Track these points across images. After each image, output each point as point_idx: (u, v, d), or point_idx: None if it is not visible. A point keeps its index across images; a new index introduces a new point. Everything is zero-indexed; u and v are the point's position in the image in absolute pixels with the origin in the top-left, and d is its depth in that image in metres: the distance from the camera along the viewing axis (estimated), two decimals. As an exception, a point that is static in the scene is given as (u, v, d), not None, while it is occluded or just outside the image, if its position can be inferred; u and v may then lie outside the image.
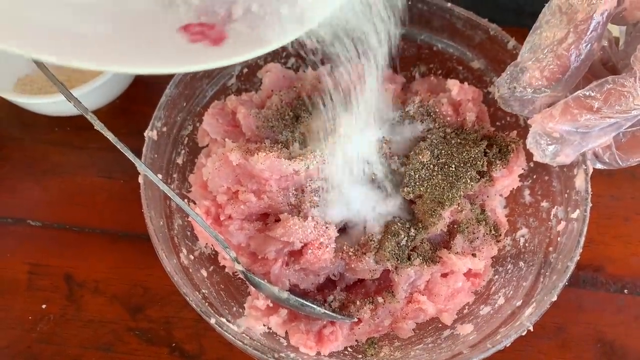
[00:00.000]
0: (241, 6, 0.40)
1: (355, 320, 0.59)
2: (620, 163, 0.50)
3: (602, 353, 0.65)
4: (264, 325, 0.58)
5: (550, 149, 0.47)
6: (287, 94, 0.67)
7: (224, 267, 0.62)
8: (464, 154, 0.62)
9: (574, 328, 0.66)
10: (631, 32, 0.48)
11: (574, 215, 0.57)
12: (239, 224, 0.60)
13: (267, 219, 0.62)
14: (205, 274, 0.60)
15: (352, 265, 0.59)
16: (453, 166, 0.61)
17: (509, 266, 0.62)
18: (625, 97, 0.42)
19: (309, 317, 0.59)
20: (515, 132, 0.64)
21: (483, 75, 0.69)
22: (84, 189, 0.76)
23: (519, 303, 0.56)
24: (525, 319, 0.53)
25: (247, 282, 0.59)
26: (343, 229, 0.61)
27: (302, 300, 0.57)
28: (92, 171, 0.77)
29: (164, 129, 0.63)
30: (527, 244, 0.62)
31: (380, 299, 0.59)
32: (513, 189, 0.66)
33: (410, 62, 0.73)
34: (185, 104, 0.66)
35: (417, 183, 0.61)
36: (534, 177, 0.65)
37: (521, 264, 0.61)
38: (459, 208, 0.61)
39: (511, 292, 0.59)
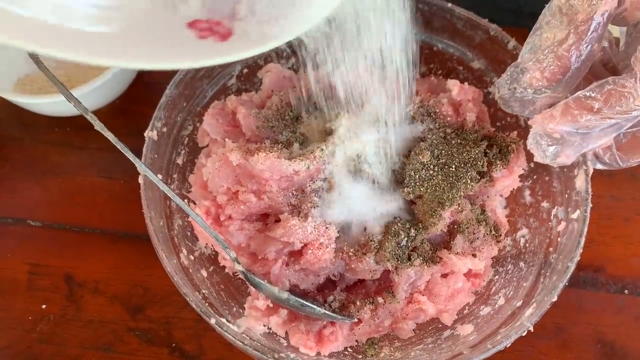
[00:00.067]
0: (246, 3, 0.40)
1: (356, 320, 0.59)
2: (621, 164, 0.51)
3: (602, 353, 0.65)
4: (264, 326, 0.58)
5: (550, 149, 0.47)
6: (288, 94, 0.67)
7: (224, 267, 0.62)
8: (464, 154, 0.62)
9: (574, 328, 0.66)
10: (631, 33, 0.48)
11: (575, 215, 0.57)
12: (239, 224, 0.60)
13: (267, 219, 0.62)
14: (205, 274, 0.60)
15: (352, 266, 0.59)
16: (453, 166, 0.61)
17: (509, 266, 0.62)
18: (625, 97, 0.42)
19: (309, 317, 0.59)
20: (515, 132, 0.64)
21: (483, 76, 0.69)
22: (84, 189, 0.76)
23: (519, 303, 0.56)
24: (525, 319, 0.53)
25: (247, 283, 0.59)
26: (343, 229, 0.61)
27: (302, 301, 0.57)
28: (92, 171, 0.77)
29: (164, 129, 0.63)
30: (527, 245, 0.62)
31: (380, 300, 0.59)
32: (513, 189, 0.66)
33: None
34: (185, 104, 0.66)
35: (418, 183, 0.61)
36: (535, 177, 0.65)
37: (521, 264, 0.61)
38: (459, 208, 0.61)
39: (511, 292, 0.59)
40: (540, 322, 0.52)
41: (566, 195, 0.59)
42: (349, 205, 0.60)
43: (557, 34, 0.45)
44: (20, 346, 0.65)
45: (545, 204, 0.63)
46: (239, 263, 0.57)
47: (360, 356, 0.59)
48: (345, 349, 0.59)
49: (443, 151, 0.63)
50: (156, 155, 0.61)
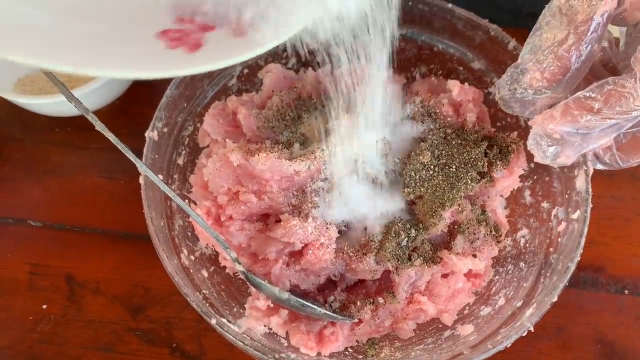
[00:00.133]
0: (215, 10, 0.40)
1: (356, 320, 0.59)
2: (621, 164, 0.51)
3: (602, 354, 0.65)
4: (265, 326, 0.58)
5: (551, 150, 0.47)
6: (288, 95, 0.67)
7: (224, 267, 0.63)
8: (465, 155, 0.62)
9: (574, 329, 0.66)
10: (631, 33, 0.48)
11: (575, 216, 0.57)
12: (239, 225, 0.60)
13: (267, 219, 0.62)
14: (206, 274, 0.60)
15: (353, 266, 0.59)
16: (454, 167, 0.61)
17: (510, 267, 0.62)
18: (625, 98, 0.42)
19: (309, 317, 0.59)
20: (515, 132, 0.64)
21: (483, 76, 0.69)
22: (85, 190, 0.76)
23: (519, 304, 0.56)
24: (525, 319, 0.53)
25: (247, 283, 0.59)
26: (344, 230, 0.61)
27: (302, 301, 0.57)
28: (93, 171, 0.77)
29: (165, 130, 0.63)
30: (527, 245, 0.62)
31: (380, 300, 0.59)
32: (514, 189, 0.66)
33: (411, 62, 0.73)
34: (185, 105, 0.66)
35: (418, 184, 0.61)
36: (535, 177, 0.65)
37: (522, 264, 0.61)
38: (460, 209, 0.61)
39: (512, 292, 0.59)
40: (541, 322, 0.52)
41: (566, 195, 0.59)
42: (349, 206, 0.60)
43: (557, 35, 0.45)
44: (20, 346, 0.65)
45: (545, 204, 0.63)
46: (239, 263, 0.57)
47: (360, 356, 0.59)
48: (346, 349, 0.59)
49: (443, 151, 0.63)
50: (157, 156, 0.61)
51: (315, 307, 0.58)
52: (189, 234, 0.62)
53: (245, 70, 0.71)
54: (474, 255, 0.61)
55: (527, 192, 0.65)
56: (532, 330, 0.52)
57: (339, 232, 0.60)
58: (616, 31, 0.51)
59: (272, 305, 0.58)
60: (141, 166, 0.51)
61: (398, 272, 0.58)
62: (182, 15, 0.40)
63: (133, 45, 0.38)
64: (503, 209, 0.66)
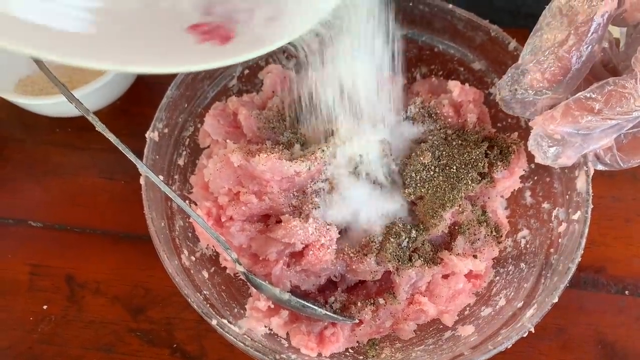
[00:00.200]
0: (246, 7, 0.40)
1: (357, 321, 0.59)
2: (622, 164, 0.51)
3: (603, 354, 0.65)
4: (265, 327, 0.58)
5: (551, 150, 0.47)
6: (289, 95, 0.67)
7: (225, 268, 0.63)
8: (465, 155, 0.62)
9: (575, 329, 0.66)
10: (632, 34, 0.48)
11: (575, 216, 0.57)
12: (240, 225, 0.60)
13: (268, 220, 0.62)
14: (206, 275, 0.60)
15: (354, 267, 0.59)
16: (454, 167, 0.61)
17: (510, 267, 0.62)
18: (626, 98, 0.42)
19: (310, 318, 0.59)
20: (516, 133, 0.65)
21: (484, 77, 0.69)
22: (85, 190, 0.76)
23: (520, 304, 0.56)
24: (526, 320, 0.53)
25: (248, 284, 0.59)
26: (344, 230, 0.61)
27: (303, 302, 0.57)
28: (94, 172, 0.77)
29: (165, 130, 0.63)
30: (528, 245, 0.62)
31: (381, 300, 0.59)
32: (514, 190, 0.66)
33: (412, 63, 0.73)
34: (186, 105, 0.66)
35: (418, 184, 0.61)
36: (535, 178, 0.65)
37: (522, 265, 0.61)
38: (460, 209, 0.61)
39: (512, 293, 0.59)
40: (541, 323, 0.52)
41: (567, 196, 0.59)
42: (350, 206, 0.60)
43: (557, 35, 0.45)
44: (21, 347, 0.65)
45: (546, 205, 0.63)
46: (240, 264, 0.57)
47: (361, 357, 0.59)
48: (347, 349, 0.59)
49: (444, 152, 0.63)
50: (157, 156, 0.61)
51: (316, 307, 0.58)
52: (190, 234, 0.62)
53: (246, 71, 0.71)
54: (475, 256, 0.61)
55: (528, 193, 0.65)
56: (533, 331, 0.52)
57: (340, 232, 0.60)
58: (617, 32, 0.51)
59: (272, 306, 0.58)
60: (142, 167, 0.51)
61: (399, 272, 0.58)
62: (209, 9, 0.41)
63: (166, 41, 0.38)
64: (504, 210, 0.66)
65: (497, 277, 0.62)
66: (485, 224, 0.62)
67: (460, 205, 0.61)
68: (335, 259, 0.59)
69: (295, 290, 0.60)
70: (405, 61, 0.72)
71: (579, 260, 0.54)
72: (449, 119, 0.65)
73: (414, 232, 0.60)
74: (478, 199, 0.64)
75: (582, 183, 0.57)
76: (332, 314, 0.58)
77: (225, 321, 0.54)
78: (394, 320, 0.60)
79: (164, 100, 0.62)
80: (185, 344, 0.65)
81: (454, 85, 0.66)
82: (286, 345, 0.58)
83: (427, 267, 0.59)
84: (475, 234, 0.61)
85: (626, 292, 0.69)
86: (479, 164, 0.61)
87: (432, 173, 0.61)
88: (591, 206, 0.56)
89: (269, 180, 0.58)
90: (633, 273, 0.70)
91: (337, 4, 0.41)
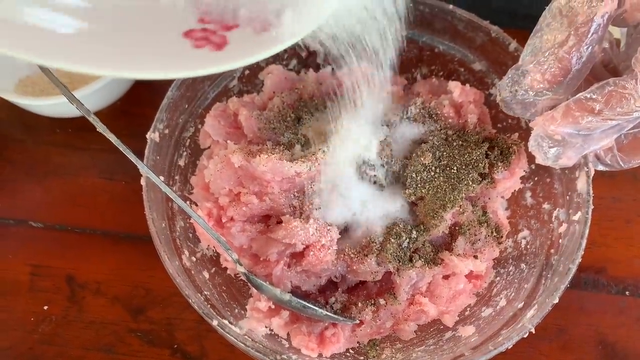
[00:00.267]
0: (246, 11, 0.40)
1: (357, 322, 0.59)
2: (622, 165, 0.51)
3: (603, 355, 0.65)
4: (266, 327, 0.58)
5: (552, 151, 0.47)
6: (289, 96, 0.67)
7: (225, 268, 0.63)
8: (466, 156, 0.62)
9: (575, 330, 0.66)
10: (632, 34, 0.48)
11: (576, 217, 0.57)
12: (240, 226, 0.60)
13: (269, 220, 0.62)
14: (207, 275, 0.60)
15: (354, 267, 0.59)
16: (455, 168, 0.61)
17: (511, 268, 0.62)
18: (626, 99, 0.42)
19: (310, 319, 0.59)
20: (517, 134, 0.65)
21: (484, 77, 0.69)
22: (86, 191, 0.76)
23: (520, 305, 0.56)
24: (526, 320, 0.53)
25: (249, 284, 0.59)
26: (345, 231, 0.61)
27: (304, 302, 0.57)
28: (94, 172, 0.77)
29: (166, 131, 0.63)
30: (528, 246, 0.62)
31: (382, 301, 0.59)
32: (515, 190, 0.66)
33: (412, 63, 0.73)
34: (187, 106, 0.66)
35: (419, 185, 0.61)
36: (536, 179, 0.65)
37: (523, 265, 0.61)
38: (461, 210, 0.61)
39: (513, 294, 0.59)
40: (542, 323, 0.52)
41: (567, 196, 0.60)
42: (350, 207, 0.60)
43: (557, 36, 0.45)
44: (22, 347, 0.65)
45: (546, 206, 0.63)
46: (240, 265, 0.57)
47: (361, 357, 0.59)
48: (347, 350, 0.59)
49: (444, 153, 0.63)
50: (158, 157, 0.61)
51: (317, 308, 0.58)
52: (190, 235, 0.62)
53: (246, 72, 0.71)
54: (475, 257, 0.61)
55: (528, 194, 0.65)
56: (533, 332, 0.52)
57: (340, 233, 0.60)
58: (617, 32, 0.51)
59: (273, 307, 0.58)
60: (143, 167, 0.51)
61: (399, 273, 0.58)
62: (204, 16, 0.41)
63: (163, 47, 0.39)
64: (504, 210, 0.66)
65: (498, 278, 0.62)
66: (485, 224, 0.62)
67: (460, 205, 0.61)
68: (335, 259, 0.59)
69: (295, 291, 0.60)
70: (405, 62, 0.72)
71: (580, 261, 0.54)
72: (450, 120, 0.65)
73: (414, 232, 0.60)
74: (479, 200, 0.64)
75: (582, 184, 0.57)
76: (332, 315, 0.58)
77: (226, 322, 0.54)
78: (395, 321, 0.60)
79: (164, 101, 0.62)
80: (186, 344, 0.65)
81: (455, 86, 0.66)
82: (287, 345, 0.58)
83: (427, 268, 0.59)
84: (475, 235, 0.61)
85: (627, 292, 0.69)
86: (480, 164, 0.61)
87: (432, 174, 0.61)
88: (592, 207, 0.56)
89: (270, 181, 0.58)
90: (633, 274, 0.70)
91: (333, 12, 0.41)
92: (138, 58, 0.36)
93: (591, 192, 0.56)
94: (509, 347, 0.51)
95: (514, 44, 0.64)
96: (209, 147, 0.68)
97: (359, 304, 0.59)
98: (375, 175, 0.62)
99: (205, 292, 0.57)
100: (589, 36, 0.43)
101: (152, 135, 0.60)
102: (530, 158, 0.62)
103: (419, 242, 0.60)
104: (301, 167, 0.58)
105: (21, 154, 0.79)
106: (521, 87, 0.47)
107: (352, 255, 0.59)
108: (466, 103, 0.66)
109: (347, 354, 0.59)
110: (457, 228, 0.62)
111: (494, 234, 0.63)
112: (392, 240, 0.58)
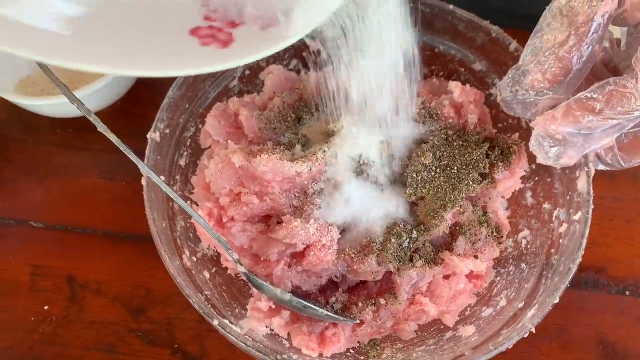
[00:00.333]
0: (252, 8, 0.40)
1: (358, 321, 0.59)
2: (623, 164, 0.51)
3: (603, 355, 0.65)
4: (267, 327, 0.58)
5: (553, 150, 0.47)
6: (289, 96, 0.67)
7: (226, 268, 0.63)
8: (466, 156, 0.62)
9: (575, 330, 0.66)
10: (632, 33, 0.48)
11: (576, 217, 0.57)
12: (241, 226, 0.60)
13: (269, 220, 0.62)
14: (207, 275, 0.60)
15: (355, 267, 0.59)
16: (455, 168, 0.61)
17: (511, 268, 0.62)
18: (627, 98, 0.42)
19: (311, 318, 0.59)
20: (517, 134, 0.65)
21: (485, 77, 0.69)
22: (86, 191, 0.76)
23: (520, 305, 0.56)
24: (527, 320, 0.53)
25: (249, 284, 0.59)
26: (345, 231, 0.61)
27: (304, 302, 0.57)
28: (94, 172, 0.77)
29: (167, 131, 0.63)
30: (529, 246, 0.62)
31: (382, 301, 0.59)
32: (515, 190, 0.66)
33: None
34: (187, 106, 0.66)
35: (419, 185, 0.61)
36: (536, 178, 0.65)
37: (523, 265, 0.61)
38: (461, 210, 0.61)
39: (513, 293, 0.59)
40: (542, 323, 0.52)
41: (568, 196, 0.60)
42: (351, 207, 0.60)
43: (557, 36, 0.45)
44: (22, 347, 0.65)
45: (546, 206, 0.63)
46: (241, 264, 0.57)
47: (362, 357, 0.59)
48: (348, 350, 0.59)
49: (445, 153, 0.63)
50: (159, 157, 0.61)
51: (317, 308, 0.58)
52: (191, 235, 0.62)
53: (247, 72, 0.71)
54: (476, 257, 0.61)
55: (529, 193, 0.65)
56: (534, 331, 0.52)
57: (341, 233, 0.60)
58: (617, 31, 0.51)
59: (273, 307, 0.58)
60: (143, 167, 0.51)
61: (399, 273, 0.58)
62: (210, 13, 0.41)
63: (170, 44, 0.39)
64: (504, 210, 0.66)
65: (498, 278, 0.62)
66: (486, 224, 0.62)
67: (461, 205, 0.61)
68: (336, 259, 0.59)
69: (296, 291, 0.60)
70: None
71: (580, 260, 0.54)
72: (450, 120, 0.65)
73: (414, 232, 0.60)
74: (479, 200, 0.64)
75: (583, 183, 0.57)
76: (333, 315, 0.58)
77: (226, 321, 0.54)
78: (395, 321, 0.60)
79: (165, 101, 0.62)
80: (186, 344, 0.65)
81: (455, 86, 0.66)
82: (287, 345, 0.58)
83: (428, 268, 0.59)
84: (476, 235, 0.62)
85: (627, 292, 0.69)
86: (480, 164, 0.61)
87: (433, 173, 0.61)
88: (592, 207, 0.56)
89: (270, 181, 0.58)
90: (634, 274, 0.70)
91: (337, 8, 0.41)
92: (144, 56, 0.36)
93: (591, 191, 0.56)
94: (509, 347, 0.51)
95: (514, 44, 0.64)
96: (209, 147, 0.68)
97: (360, 304, 0.59)
98: (375, 175, 0.62)
99: (206, 292, 0.57)
100: (589, 36, 0.43)
101: (153, 135, 0.60)
102: (531, 158, 0.62)
103: (419, 242, 0.60)
104: (302, 167, 0.58)
105: (21, 154, 0.79)
106: (522, 87, 0.47)
107: (352, 255, 0.59)
108: (466, 103, 0.66)
109: (348, 353, 0.59)
110: (457, 228, 0.62)
111: (494, 233, 0.63)
112: (393, 240, 0.58)
